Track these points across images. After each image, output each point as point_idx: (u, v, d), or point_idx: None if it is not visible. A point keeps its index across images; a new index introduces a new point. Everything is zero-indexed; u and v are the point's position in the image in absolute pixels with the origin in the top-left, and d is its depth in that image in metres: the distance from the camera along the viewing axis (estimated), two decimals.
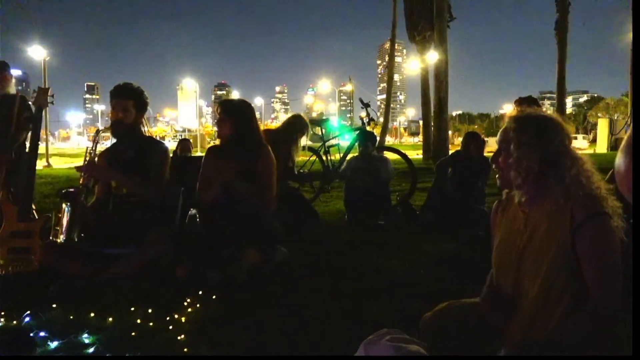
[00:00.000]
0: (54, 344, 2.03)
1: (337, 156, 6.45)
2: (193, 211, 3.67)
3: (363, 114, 6.25)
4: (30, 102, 3.94)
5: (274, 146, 3.59)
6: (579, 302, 1.38)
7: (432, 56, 16.59)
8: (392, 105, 27.19)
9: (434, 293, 2.61)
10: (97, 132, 3.37)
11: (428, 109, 17.97)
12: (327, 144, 6.36)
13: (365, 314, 2.43)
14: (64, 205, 2.89)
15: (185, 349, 2.01)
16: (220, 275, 2.90)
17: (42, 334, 2.10)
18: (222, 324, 2.31)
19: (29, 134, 4.08)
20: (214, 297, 2.63)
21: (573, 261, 1.39)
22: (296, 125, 5.26)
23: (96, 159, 3.19)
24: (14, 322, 2.32)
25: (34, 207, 3.02)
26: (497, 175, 1.58)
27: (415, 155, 18.22)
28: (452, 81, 15.48)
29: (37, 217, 3.19)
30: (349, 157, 6.17)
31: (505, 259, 1.56)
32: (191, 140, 8.64)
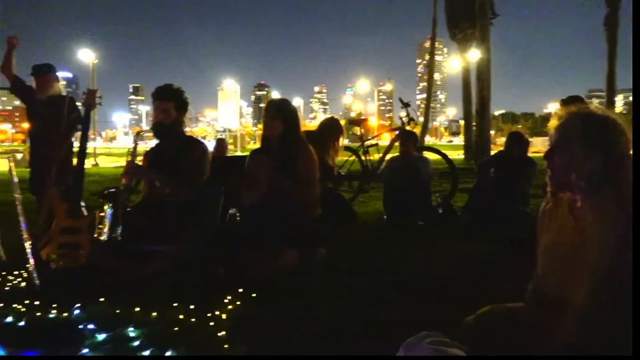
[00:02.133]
0: (101, 337, 2.10)
1: (376, 156, 6.41)
2: (233, 210, 3.73)
3: (403, 113, 6.19)
4: (79, 104, 4.11)
5: (312, 147, 3.60)
6: (629, 308, 1.32)
7: (474, 54, 16.28)
8: (432, 104, 26.80)
9: (469, 296, 2.57)
10: (137, 134, 3.46)
11: (469, 108, 17.61)
12: (366, 143, 6.33)
13: (401, 315, 2.40)
14: (106, 206, 2.99)
15: (226, 345, 2.04)
16: (259, 274, 2.94)
17: (90, 326, 2.18)
18: (260, 322, 2.34)
19: (77, 133, 4.26)
20: (253, 295, 2.66)
21: (624, 267, 1.33)
22: (332, 127, 5.27)
23: (138, 159, 3.28)
24: (64, 314, 2.42)
25: (82, 204, 3.13)
26: (547, 176, 1.49)
27: (456, 155, 17.91)
28: (495, 79, 15.12)
29: (85, 214, 3.31)
30: (388, 156, 6.12)
31: (553, 264, 1.51)
32: (225, 140, 8.77)
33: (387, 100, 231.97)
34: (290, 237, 3.22)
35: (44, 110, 4.30)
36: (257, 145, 4.37)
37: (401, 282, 2.98)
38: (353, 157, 6.33)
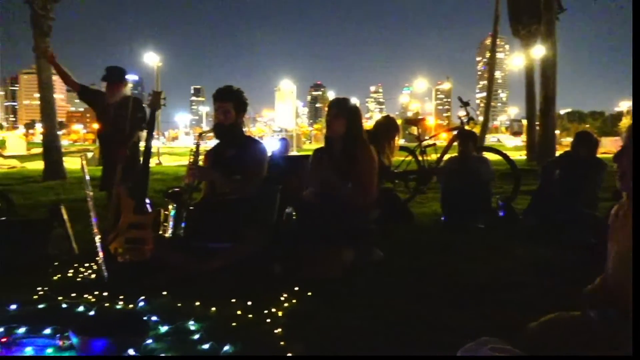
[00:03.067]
0: (164, 329, 2.19)
1: (434, 156, 6.29)
2: (290, 209, 3.78)
3: (462, 112, 6.04)
4: (145, 105, 4.29)
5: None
6: None
7: (538, 51, 15.62)
8: (492, 103, 25.97)
9: (530, 301, 2.47)
10: (199, 135, 3.57)
11: (533, 107, 16.89)
12: (423, 143, 6.22)
13: (451, 319, 2.34)
14: (170, 206, 3.11)
15: (282, 342, 2.07)
16: (315, 273, 2.96)
17: (154, 318, 2.28)
18: (315, 320, 2.35)
19: (142, 133, 4.45)
20: (309, 294, 2.68)
21: None
22: (388, 125, 5.22)
23: (200, 158, 3.39)
24: (130, 305, 2.54)
25: (147, 201, 3.27)
26: (617, 177, 1.41)
27: (518, 156, 17.26)
28: (560, 76, 14.42)
29: (150, 210, 3.45)
30: (446, 157, 5.99)
31: (625, 269, 1.42)
32: (288, 140, 8.89)
33: (445, 100, 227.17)
34: (347, 237, 3.22)
35: (111, 111, 4.52)
36: (313, 145, 4.39)
37: (460, 285, 2.91)
38: (409, 158, 6.25)
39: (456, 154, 5.46)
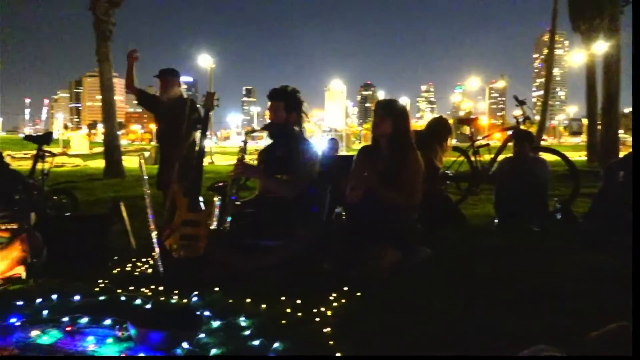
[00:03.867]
0: (216, 324, 2.24)
1: (487, 157, 6.12)
2: (339, 209, 3.78)
3: (517, 112, 5.84)
4: (199, 105, 4.42)
5: (419, 147, 3.54)
6: None
7: (601, 46, 14.89)
8: (550, 102, 24.96)
9: (588, 310, 2.37)
10: (247, 133, 3.63)
11: (594, 106, 16.13)
12: (476, 144, 6.07)
13: (504, 324, 2.26)
14: (215, 198, 3.19)
15: (331, 342, 2.08)
16: (362, 273, 2.95)
17: (206, 313, 2.34)
18: (364, 320, 2.34)
19: (197, 133, 4.58)
20: (358, 294, 2.68)
21: None
22: (441, 126, 5.12)
23: (248, 157, 3.45)
24: (184, 300, 2.62)
25: (201, 199, 3.37)
26: None
27: (577, 157, 16.51)
28: (625, 73, 13.68)
29: (203, 208, 3.55)
30: (500, 157, 5.81)
31: None
32: (338, 140, 8.91)
33: (499, 98, 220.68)
34: (394, 237, 3.19)
35: (168, 112, 4.68)
36: (363, 145, 4.38)
37: (513, 290, 2.81)
38: (462, 158, 6.11)
39: (511, 155, 5.29)
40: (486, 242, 4.20)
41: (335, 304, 2.53)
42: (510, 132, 5.73)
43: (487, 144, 6.40)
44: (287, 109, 3.41)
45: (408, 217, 3.26)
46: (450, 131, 5.10)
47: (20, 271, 3.06)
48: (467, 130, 6.32)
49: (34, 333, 2.14)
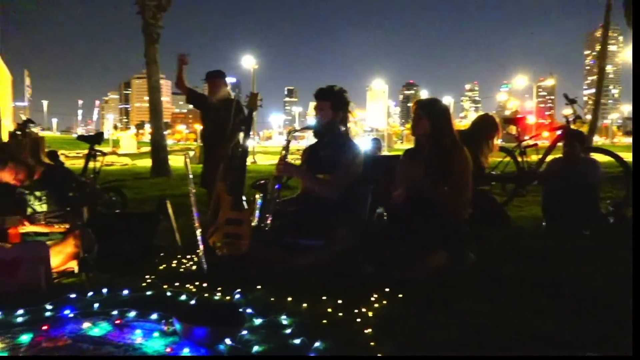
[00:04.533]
0: (258, 321, 2.27)
1: (534, 157, 5.93)
2: (380, 209, 3.75)
3: (567, 111, 5.64)
4: (243, 105, 4.49)
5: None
6: None
7: None
8: (602, 100, 23.92)
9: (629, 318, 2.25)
10: (289, 132, 3.65)
11: None
12: (523, 144, 5.89)
13: (560, 332, 2.18)
14: (257, 195, 3.23)
15: (372, 343, 2.06)
16: (405, 275, 2.92)
17: (249, 310, 2.38)
18: (405, 322, 2.32)
19: (241, 133, 4.65)
20: (400, 295, 2.65)
21: None
22: (487, 124, 4.99)
23: (290, 156, 3.47)
24: (227, 297, 2.67)
25: (244, 198, 3.42)
26: None
27: (632, 157, 15.73)
28: None
29: (246, 207, 3.60)
30: (549, 158, 5.62)
31: None
32: (380, 140, 8.85)
33: (547, 97, 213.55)
34: (438, 238, 3.14)
35: (215, 113, 4.79)
36: (405, 145, 4.33)
37: (559, 295, 2.72)
38: (508, 158, 5.94)
39: (561, 155, 5.11)
40: (532, 245, 4.07)
41: (376, 305, 2.51)
42: (559, 132, 5.54)
43: (535, 144, 6.21)
44: (333, 109, 3.41)
45: (455, 219, 3.20)
46: (496, 129, 4.96)
47: (73, 265, 3.19)
48: (513, 129, 6.15)
49: (86, 325, 2.23)
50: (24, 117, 11.06)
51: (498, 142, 5.15)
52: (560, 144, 5.35)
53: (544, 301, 2.61)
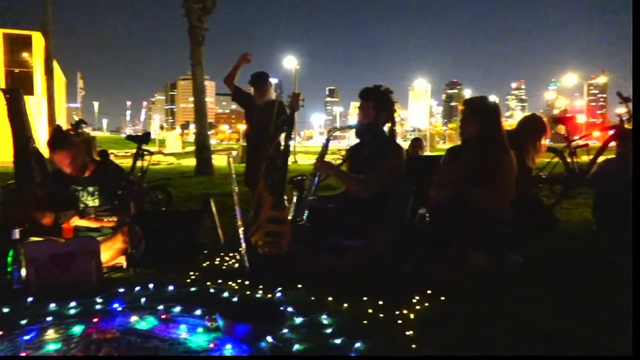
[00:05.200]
0: (298, 320, 2.29)
1: (584, 158, 5.70)
2: (422, 210, 3.70)
3: (621, 109, 5.39)
4: (285, 106, 4.52)
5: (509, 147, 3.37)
6: None
7: None
8: None
9: None
10: (329, 131, 3.65)
11: None
12: (572, 144, 5.68)
13: (609, 343, 2.09)
14: (294, 192, 3.25)
15: (413, 345, 2.04)
16: (447, 277, 2.87)
17: (290, 309, 2.40)
18: (448, 325, 2.28)
19: (283, 133, 4.69)
20: (442, 298, 2.61)
21: None
22: (534, 125, 4.83)
23: (330, 156, 3.47)
24: (269, 295, 2.70)
25: (285, 197, 3.45)
26: None
27: None
28: None
29: (287, 206, 3.63)
30: (600, 158, 5.40)
31: None
32: (422, 140, 8.72)
33: (599, 95, 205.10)
34: (480, 240, 3.07)
35: (259, 114, 4.85)
36: (447, 145, 4.25)
37: (608, 302, 2.60)
38: (556, 159, 5.74)
39: (613, 156, 4.89)
40: (581, 250, 3.91)
41: (417, 307, 2.49)
42: (612, 132, 5.30)
43: (586, 144, 5.97)
44: (376, 109, 3.39)
45: (497, 221, 3.12)
46: (544, 130, 4.80)
47: (122, 261, 3.31)
48: (562, 129, 5.94)
49: (133, 318, 2.30)
50: (76, 118, 11.54)
51: (546, 142, 4.98)
52: (612, 144, 5.13)
53: (589, 308, 2.51)
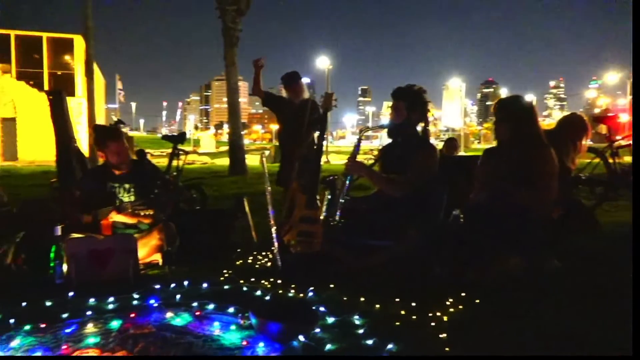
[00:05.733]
0: (330, 320, 2.29)
1: (627, 159, 5.50)
2: (457, 211, 3.64)
3: None
4: (318, 106, 4.53)
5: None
6: None
7: None
8: None
9: None
10: (360, 131, 3.64)
11: None
12: (614, 144, 5.48)
13: (622, 345, 2.03)
14: (326, 192, 3.25)
15: (447, 348, 2.01)
16: (482, 279, 2.82)
17: (322, 309, 2.40)
18: (482, 329, 2.24)
19: (316, 133, 4.70)
20: (477, 301, 2.56)
21: None
22: (575, 125, 4.68)
23: (362, 156, 3.46)
24: (301, 294, 2.71)
25: (318, 197, 3.45)
26: None
27: None
28: None
29: (320, 205, 3.64)
30: None
31: None
32: (456, 140, 8.59)
33: None
34: (517, 243, 2.99)
35: (292, 114, 4.87)
36: (482, 145, 4.17)
37: None
38: (597, 160, 5.56)
39: None
40: (623, 255, 3.76)
41: (451, 310, 2.45)
42: None
43: (629, 144, 5.75)
44: (408, 109, 3.36)
45: (536, 223, 3.03)
46: (585, 130, 4.65)
47: (158, 258, 3.39)
48: (603, 129, 5.75)
49: (169, 315, 2.35)
50: (115, 118, 11.88)
51: (586, 142, 4.82)
52: None
53: (627, 314, 2.41)
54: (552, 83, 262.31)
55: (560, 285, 2.87)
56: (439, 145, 8.69)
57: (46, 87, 24.11)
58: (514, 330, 2.21)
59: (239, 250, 3.79)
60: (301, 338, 2.04)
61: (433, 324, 2.27)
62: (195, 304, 2.47)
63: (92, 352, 1.97)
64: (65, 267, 2.91)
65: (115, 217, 3.46)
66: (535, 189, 2.99)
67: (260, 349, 2.00)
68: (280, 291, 2.79)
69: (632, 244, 2.36)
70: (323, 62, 30.63)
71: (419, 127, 3.44)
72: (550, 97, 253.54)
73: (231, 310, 2.40)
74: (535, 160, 3.03)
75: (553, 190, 3.05)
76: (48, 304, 2.52)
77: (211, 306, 2.46)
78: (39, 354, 1.96)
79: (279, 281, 2.95)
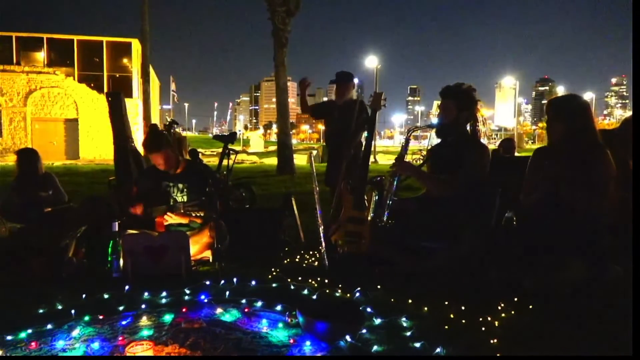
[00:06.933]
0: (377, 321, 2.27)
1: None
2: (510, 213, 3.53)
3: None
4: (367, 106, 4.50)
5: (610, 146, 3.11)
6: None
7: None
8: None
9: None
10: (408, 131, 3.59)
11: None
12: None
13: None
14: (373, 192, 3.22)
15: (498, 354, 1.95)
16: (537, 285, 2.71)
17: (368, 309, 2.38)
18: (535, 337, 2.16)
19: (364, 133, 4.68)
20: (530, 307, 2.47)
21: None
22: None
23: (411, 156, 3.41)
24: (348, 295, 2.71)
25: (365, 197, 3.43)
26: None
27: None
28: None
29: (367, 206, 3.62)
30: None
31: None
32: (513, 140, 8.31)
33: None
34: (574, 248, 2.86)
35: (339, 114, 4.88)
36: (537, 145, 4.02)
37: None
38: None
39: None
40: None
41: (503, 315, 2.37)
42: None
43: None
44: (458, 108, 3.28)
45: (596, 227, 2.89)
46: None
47: (208, 255, 3.48)
48: None
49: (219, 310, 2.41)
50: (169, 119, 12.27)
51: None
52: None
53: None
54: (613, 80, 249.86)
55: (622, 295, 2.72)
56: (491, 145, 8.44)
57: (105, 90, 25.26)
58: (569, 339, 2.13)
59: (286, 248, 3.83)
60: (348, 338, 2.04)
61: (483, 329, 2.21)
62: (243, 301, 2.52)
63: (146, 344, 2.05)
64: (121, 262, 3.03)
65: (169, 219, 3.58)
66: (590, 192, 2.85)
67: (307, 347, 2.01)
68: (327, 291, 2.80)
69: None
70: (372, 62, 30.46)
71: (468, 127, 3.35)
72: (611, 94, 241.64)
73: (279, 308, 2.43)
74: (591, 162, 2.88)
75: (612, 193, 2.89)
76: (106, 296, 2.63)
77: (259, 303, 2.50)
78: (97, 343, 2.05)
79: (326, 281, 2.96)
